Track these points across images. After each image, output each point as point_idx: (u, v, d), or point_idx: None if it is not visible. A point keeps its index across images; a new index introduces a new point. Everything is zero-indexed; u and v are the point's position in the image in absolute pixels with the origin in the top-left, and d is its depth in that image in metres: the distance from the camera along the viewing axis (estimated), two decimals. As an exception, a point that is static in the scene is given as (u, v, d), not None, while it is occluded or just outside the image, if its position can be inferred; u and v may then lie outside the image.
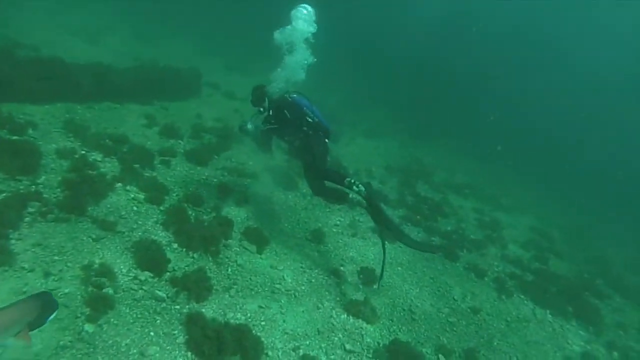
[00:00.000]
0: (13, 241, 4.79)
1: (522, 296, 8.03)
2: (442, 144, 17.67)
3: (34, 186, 5.70)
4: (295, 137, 6.28)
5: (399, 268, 7.36)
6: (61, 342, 3.99)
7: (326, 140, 6.39)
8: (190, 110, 10.77)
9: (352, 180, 6.00)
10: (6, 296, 4.19)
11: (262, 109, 6.43)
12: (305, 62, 6.35)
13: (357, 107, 17.99)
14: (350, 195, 6.16)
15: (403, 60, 25.01)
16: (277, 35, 6.36)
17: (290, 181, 8.83)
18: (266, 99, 6.39)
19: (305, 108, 6.19)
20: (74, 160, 6.55)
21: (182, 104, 10.84)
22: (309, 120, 6.15)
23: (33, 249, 4.81)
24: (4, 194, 5.33)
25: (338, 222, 8.16)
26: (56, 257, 4.84)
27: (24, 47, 10.10)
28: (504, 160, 17.10)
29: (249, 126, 6.52)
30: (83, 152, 6.91)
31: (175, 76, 10.95)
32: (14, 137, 6.46)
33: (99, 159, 6.93)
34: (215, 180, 7.73)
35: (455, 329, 6.45)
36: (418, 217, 9.74)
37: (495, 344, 6.45)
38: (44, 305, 2.92)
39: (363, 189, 5.98)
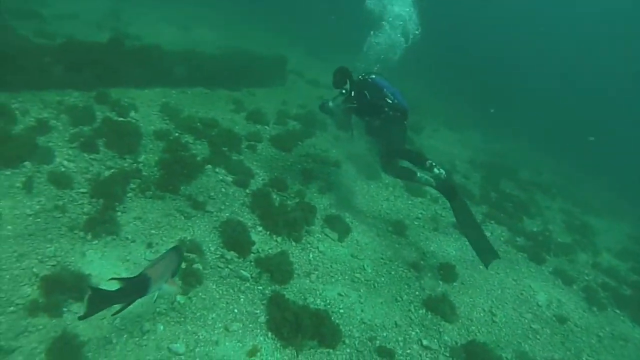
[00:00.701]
0: (119, 213, 5.26)
1: (618, 311, 7.35)
2: (527, 141, 16.75)
3: (135, 164, 6.20)
4: (374, 117, 6.29)
5: (481, 267, 7.02)
6: (157, 309, 4.33)
7: (405, 121, 6.38)
8: (276, 96, 11.00)
9: (434, 163, 5.94)
10: (114, 262, 4.62)
11: (343, 91, 6.54)
12: (411, 37, 6.28)
13: (436, 99, 17.47)
14: (418, 175, 6.09)
15: (483, 53, 23.95)
16: (369, 3, 6.29)
17: (373, 171, 8.73)
18: (347, 81, 6.49)
19: (385, 89, 6.23)
20: (168, 141, 7.00)
21: (268, 91, 11.12)
22: (389, 101, 6.16)
23: (134, 222, 5.24)
24: (112, 170, 5.85)
25: (420, 215, 7.98)
26: (153, 231, 5.23)
27: (130, 37, 10.93)
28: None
29: (331, 104, 6.62)
30: (177, 134, 7.36)
31: (262, 63, 11.24)
32: (120, 119, 7.05)
33: (190, 141, 7.34)
34: (299, 166, 7.87)
35: (538, 336, 6.08)
36: (502, 215, 9.28)
37: (584, 359, 6.00)
38: (179, 257, 3.43)
39: (444, 172, 5.91)
